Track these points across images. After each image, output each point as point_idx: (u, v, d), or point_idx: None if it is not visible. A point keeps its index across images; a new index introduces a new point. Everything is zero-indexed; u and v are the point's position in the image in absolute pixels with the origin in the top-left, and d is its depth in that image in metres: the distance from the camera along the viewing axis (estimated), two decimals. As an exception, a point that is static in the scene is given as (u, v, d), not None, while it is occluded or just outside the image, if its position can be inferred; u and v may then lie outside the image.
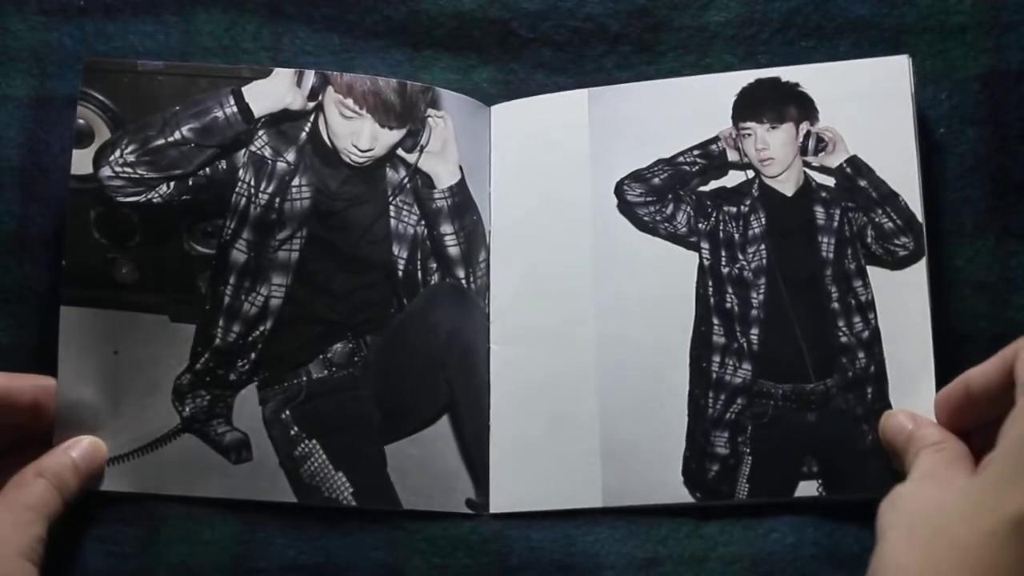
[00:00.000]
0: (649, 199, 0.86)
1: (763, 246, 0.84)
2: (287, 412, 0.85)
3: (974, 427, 0.76)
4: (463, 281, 0.87)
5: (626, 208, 0.86)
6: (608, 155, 0.87)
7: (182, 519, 0.82)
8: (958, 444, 0.74)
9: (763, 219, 0.85)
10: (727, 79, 0.86)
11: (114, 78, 0.85)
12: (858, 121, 0.84)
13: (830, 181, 0.85)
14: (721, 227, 0.85)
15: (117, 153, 0.84)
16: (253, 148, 0.86)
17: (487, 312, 0.87)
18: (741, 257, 0.85)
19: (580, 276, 0.86)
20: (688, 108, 0.86)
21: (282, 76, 0.86)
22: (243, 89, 0.86)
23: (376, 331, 0.86)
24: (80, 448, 0.81)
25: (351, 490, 0.83)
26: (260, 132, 0.86)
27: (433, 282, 0.87)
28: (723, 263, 0.85)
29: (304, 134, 0.86)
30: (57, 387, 0.82)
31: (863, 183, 0.83)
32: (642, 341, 0.84)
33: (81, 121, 0.84)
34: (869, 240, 0.83)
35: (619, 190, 0.87)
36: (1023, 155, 0.83)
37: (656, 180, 0.86)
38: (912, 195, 0.82)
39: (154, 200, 0.85)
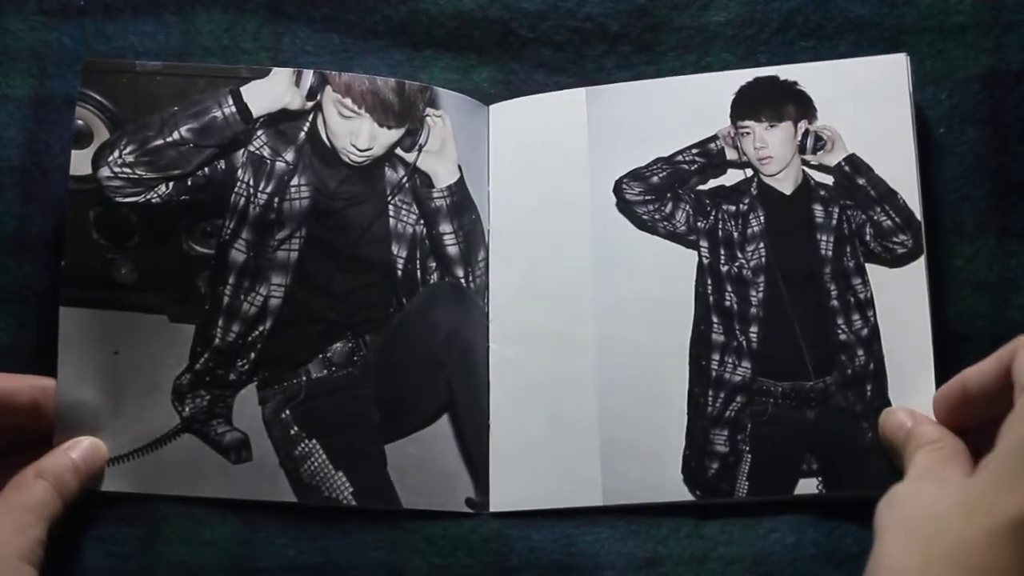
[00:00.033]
0: (648, 198, 0.85)
1: (762, 244, 0.84)
2: (287, 412, 0.84)
3: (972, 425, 0.75)
4: (462, 280, 0.86)
5: (625, 207, 0.86)
6: (607, 154, 0.86)
7: (182, 519, 0.82)
8: (956, 443, 0.74)
9: (762, 217, 0.84)
10: (725, 78, 0.86)
11: (113, 79, 0.85)
12: (856, 119, 0.83)
13: (829, 179, 0.84)
14: (720, 225, 0.85)
15: (116, 154, 0.84)
16: (252, 148, 0.85)
17: (486, 311, 0.86)
18: (740, 255, 0.84)
19: (579, 275, 0.85)
20: (686, 107, 0.86)
21: (280, 76, 0.86)
22: (241, 89, 0.85)
23: (375, 330, 0.85)
24: (80, 449, 0.81)
25: (351, 490, 0.83)
26: (259, 132, 0.85)
27: (432, 281, 0.86)
28: (722, 261, 0.84)
29: (303, 134, 0.86)
30: (57, 387, 0.81)
31: (862, 181, 0.83)
32: (641, 340, 0.84)
33: (80, 122, 0.84)
34: (868, 238, 0.83)
35: (618, 189, 0.86)
36: (1023, 155, 0.83)
37: (655, 179, 0.86)
38: (911, 193, 0.82)
39: (153, 200, 0.84)
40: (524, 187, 0.88)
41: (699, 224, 0.85)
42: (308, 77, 0.86)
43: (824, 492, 0.81)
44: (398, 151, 0.87)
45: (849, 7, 0.87)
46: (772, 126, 0.85)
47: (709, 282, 0.84)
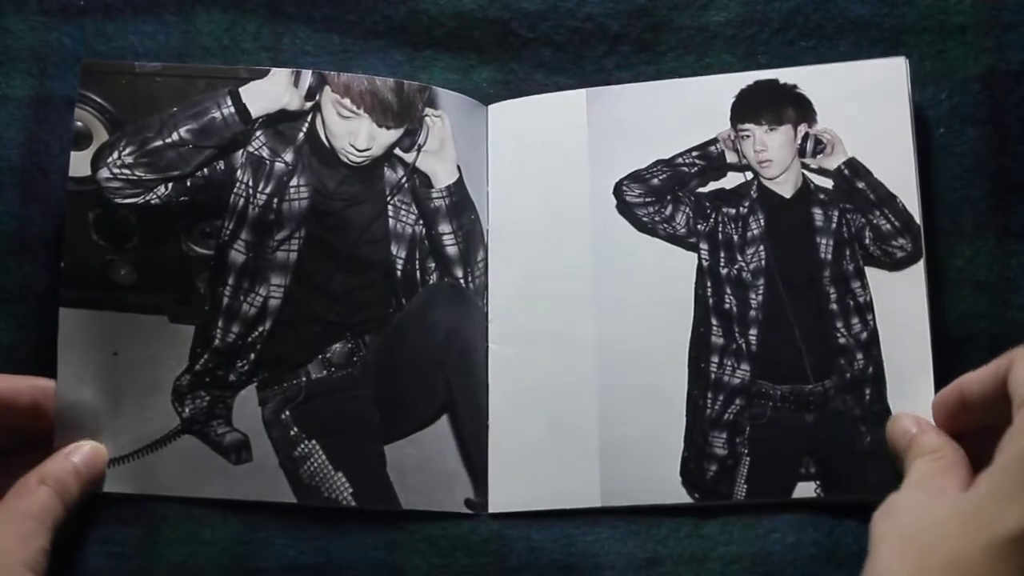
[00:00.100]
0: (648, 200, 0.84)
1: (762, 247, 0.83)
2: (287, 412, 0.83)
3: (971, 430, 0.74)
4: (461, 281, 0.85)
5: (625, 209, 0.85)
6: (607, 156, 0.85)
7: (182, 519, 0.81)
8: (956, 453, 0.73)
9: (762, 220, 0.83)
10: (725, 80, 0.85)
11: (112, 80, 0.84)
12: (856, 123, 0.83)
13: (828, 183, 0.83)
14: (720, 228, 0.84)
15: (115, 155, 0.83)
16: (251, 149, 0.84)
17: (485, 311, 0.85)
18: (740, 258, 0.83)
19: (579, 276, 0.84)
20: (687, 109, 0.85)
21: (279, 76, 0.85)
22: (240, 90, 0.84)
23: (375, 331, 0.84)
24: (81, 453, 0.79)
25: (351, 490, 0.82)
26: (258, 133, 0.84)
27: (432, 282, 0.85)
28: (722, 264, 0.83)
29: (302, 134, 0.85)
30: (57, 389, 0.80)
31: (861, 185, 0.82)
32: (641, 341, 0.83)
33: (79, 123, 0.83)
34: (867, 241, 0.82)
35: (618, 191, 0.85)
36: (1023, 155, 0.82)
37: (655, 181, 0.85)
38: (910, 197, 0.81)
39: (152, 201, 0.83)
40: (524, 188, 0.87)
41: (699, 226, 0.84)
42: (307, 77, 0.85)
43: (822, 496, 0.80)
44: (397, 151, 0.86)
45: (849, 7, 0.86)
46: (772, 129, 0.84)
47: (709, 284, 0.83)
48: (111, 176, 0.82)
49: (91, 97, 0.83)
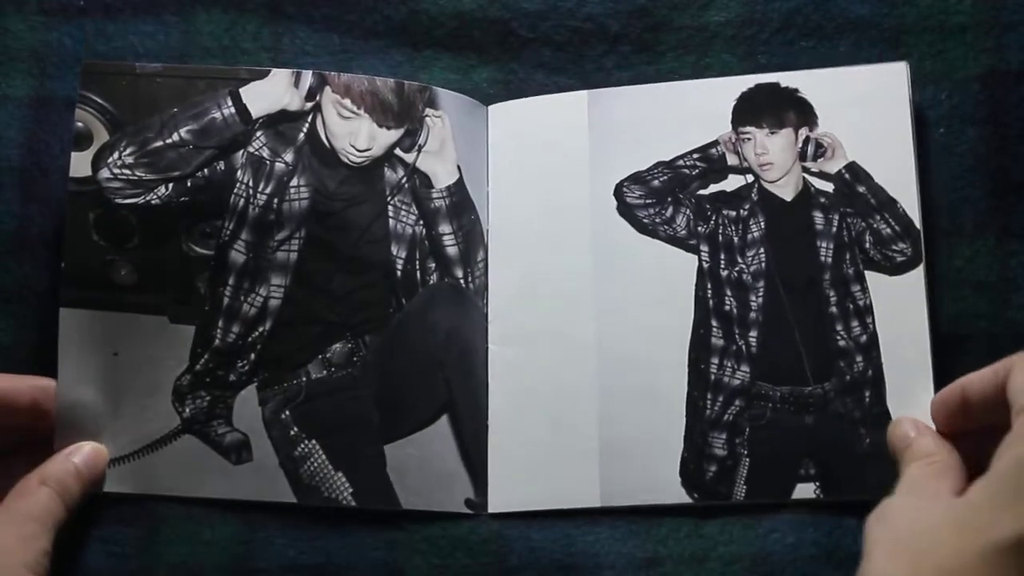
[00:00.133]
0: (648, 201, 0.84)
1: (762, 250, 0.82)
2: (287, 412, 0.82)
3: (971, 430, 0.73)
4: (461, 281, 0.85)
5: (625, 210, 0.84)
6: (607, 157, 0.85)
7: (182, 519, 0.80)
8: (950, 456, 0.72)
9: (762, 223, 0.83)
10: (726, 83, 0.84)
11: (112, 80, 0.83)
12: (857, 127, 0.82)
13: (829, 187, 0.83)
14: (720, 230, 0.83)
15: (115, 155, 0.82)
16: (251, 149, 0.83)
17: (485, 312, 0.85)
18: (740, 260, 0.82)
19: (579, 277, 0.84)
20: (688, 112, 0.84)
21: (279, 77, 0.84)
22: (240, 90, 0.83)
23: (375, 331, 0.84)
24: (82, 454, 0.79)
25: (351, 490, 0.81)
26: (258, 133, 0.83)
27: (432, 282, 0.84)
28: (722, 266, 0.82)
29: (302, 135, 0.84)
30: (57, 389, 0.79)
31: (862, 189, 0.82)
32: (641, 342, 0.82)
33: (79, 124, 0.82)
34: (867, 245, 0.81)
35: (618, 192, 0.84)
36: (1023, 155, 0.81)
37: (655, 182, 0.84)
38: (910, 201, 0.81)
39: (152, 202, 0.82)
40: (524, 188, 0.86)
41: (699, 228, 0.83)
42: (307, 78, 0.84)
43: (822, 497, 0.79)
44: (397, 151, 0.85)
45: (849, 7, 0.85)
46: (773, 132, 0.83)
47: (709, 286, 0.82)
48: (111, 176, 0.82)
49: (91, 98, 0.82)
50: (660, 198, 0.83)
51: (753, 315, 0.82)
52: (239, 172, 0.83)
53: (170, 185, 0.82)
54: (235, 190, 0.83)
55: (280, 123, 0.84)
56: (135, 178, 0.82)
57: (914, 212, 0.80)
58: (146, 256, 0.82)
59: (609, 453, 0.81)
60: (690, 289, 0.82)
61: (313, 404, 0.83)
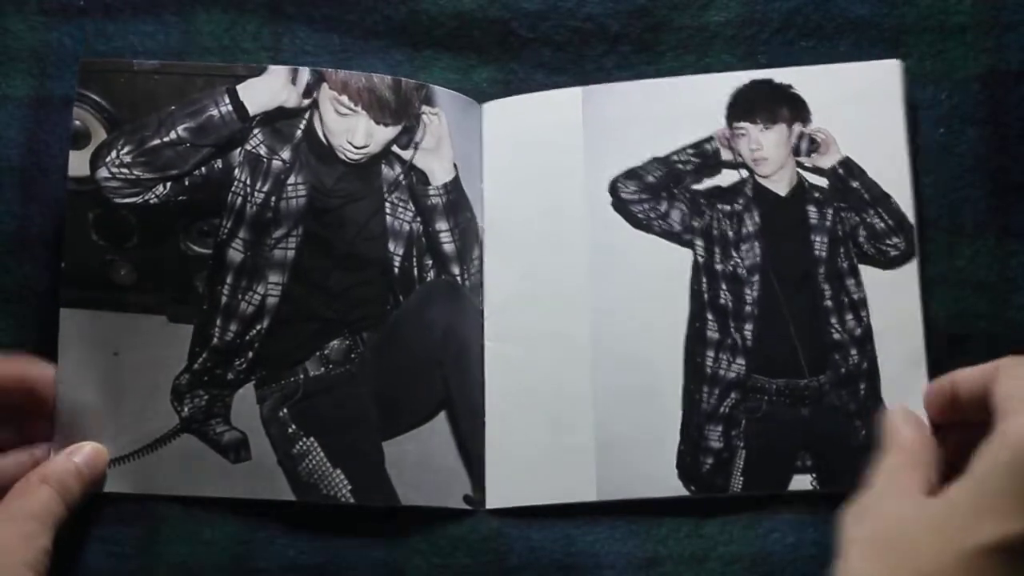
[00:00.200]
0: (643, 196, 0.80)
1: (757, 244, 0.79)
2: (284, 410, 0.78)
3: (959, 422, 0.70)
4: (458, 278, 0.80)
5: (620, 205, 0.80)
6: (602, 153, 0.81)
7: (182, 519, 0.76)
8: (925, 449, 0.68)
9: (757, 218, 0.79)
10: (721, 79, 0.81)
11: (110, 78, 0.79)
12: (850, 123, 0.79)
13: (823, 182, 0.79)
14: (715, 225, 0.79)
15: (114, 154, 0.78)
16: (248, 147, 0.79)
17: (481, 309, 0.81)
18: (735, 254, 0.79)
19: (575, 273, 0.80)
20: (682, 107, 0.80)
21: (277, 73, 0.80)
22: (238, 87, 0.79)
23: (372, 328, 0.79)
24: (83, 453, 0.75)
25: (349, 487, 0.77)
26: (255, 130, 0.79)
27: (428, 279, 0.80)
28: (717, 260, 0.79)
29: (299, 132, 0.80)
30: (57, 389, 0.76)
31: (855, 184, 0.78)
32: (637, 336, 0.78)
33: (77, 122, 0.78)
34: (861, 240, 0.78)
35: (613, 188, 0.80)
36: (1023, 155, 0.78)
37: (650, 178, 0.80)
38: (904, 196, 0.77)
39: (151, 201, 0.78)
40: (519, 185, 0.82)
41: (694, 223, 0.79)
42: (304, 74, 0.80)
43: (818, 489, 0.76)
44: (394, 148, 0.80)
45: (849, 7, 0.82)
46: (767, 128, 0.79)
47: (704, 280, 0.79)
48: (110, 176, 0.77)
49: (89, 96, 0.78)
50: (655, 193, 0.80)
51: (748, 309, 0.78)
52: (237, 170, 0.79)
53: (168, 184, 0.78)
54: (233, 188, 0.79)
55: (277, 120, 0.80)
56: (133, 177, 0.78)
57: (907, 207, 0.77)
58: (145, 256, 0.78)
59: (606, 447, 0.77)
60: (685, 283, 0.79)
61: (311, 401, 0.78)
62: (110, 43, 0.83)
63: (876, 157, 0.78)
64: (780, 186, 0.79)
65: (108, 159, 0.77)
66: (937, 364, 0.74)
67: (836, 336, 0.77)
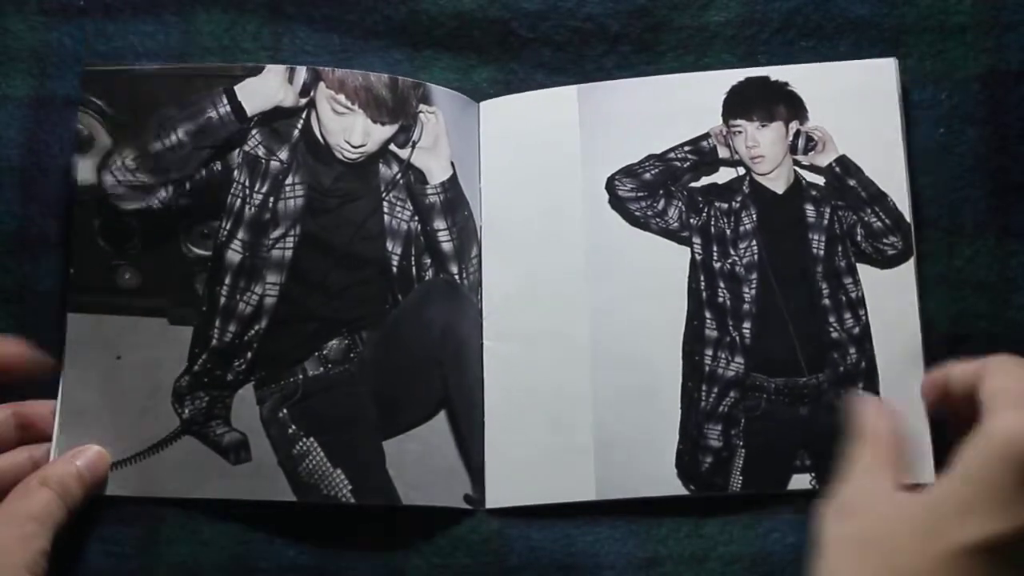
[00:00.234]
0: (640, 194, 0.78)
1: (754, 242, 0.77)
2: (284, 411, 0.76)
3: (952, 411, 0.68)
4: (456, 277, 0.78)
5: (617, 203, 0.78)
6: (599, 151, 0.79)
7: (182, 519, 0.75)
8: (901, 446, 0.66)
9: (754, 215, 0.77)
10: (717, 77, 0.78)
11: (111, 83, 0.77)
12: (847, 122, 0.77)
13: (820, 180, 0.77)
14: (713, 223, 0.77)
15: (118, 160, 0.76)
16: (247, 148, 0.77)
17: (480, 308, 0.78)
18: (733, 252, 0.77)
19: (572, 271, 0.78)
20: (679, 105, 0.78)
21: (274, 73, 0.78)
22: (235, 88, 0.77)
23: (371, 327, 0.77)
24: (85, 456, 0.73)
25: (350, 487, 0.75)
26: (253, 131, 0.77)
27: (427, 278, 0.78)
28: (715, 258, 0.77)
29: (297, 131, 0.77)
30: (61, 393, 0.74)
31: (852, 183, 0.76)
32: (635, 335, 0.76)
33: (82, 128, 0.76)
34: (859, 238, 0.76)
35: (610, 185, 0.78)
36: (1023, 155, 0.77)
37: (647, 175, 0.78)
38: (900, 195, 0.76)
39: (153, 205, 0.76)
40: (516, 184, 0.80)
41: (692, 221, 0.77)
42: (301, 73, 0.78)
43: (818, 488, 0.73)
44: (392, 147, 0.78)
45: (849, 7, 0.80)
46: (764, 126, 0.77)
47: (702, 278, 0.77)
48: (116, 182, 0.76)
49: (92, 101, 0.77)
50: (652, 191, 0.78)
51: (746, 307, 0.76)
52: (235, 172, 0.77)
53: (170, 188, 0.76)
54: (232, 190, 0.77)
55: (275, 120, 0.77)
56: (137, 182, 0.76)
57: (904, 206, 0.75)
58: (148, 259, 0.77)
59: (605, 446, 0.75)
60: (683, 281, 0.77)
61: (310, 402, 0.76)
62: (110, 43, 0.81)
63: (872, 155, 0.76)
64: (777, 184, 0.77)
65: (113, 165, 0.76)
66: (936, 364, 0.72)
67: (834, 335, 0.75)
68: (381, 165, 0.78)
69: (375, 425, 0.76)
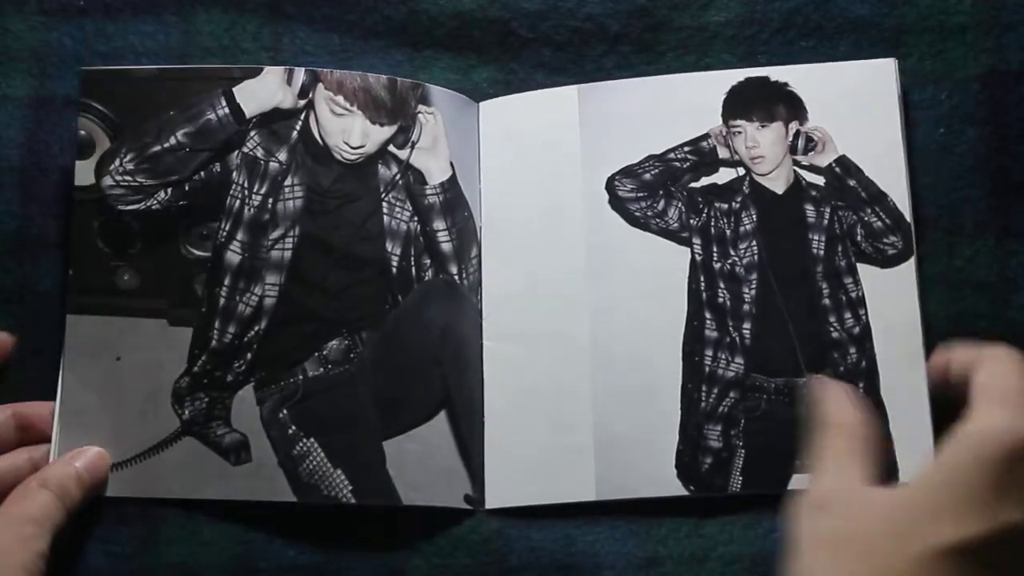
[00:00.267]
0: (640, 195, 0.77)
1: (754, 242, 0.76)
2: (284, 411, 0.75)
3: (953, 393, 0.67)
4: (456, 277, 0.77)
5: (617, 203, 0.77)
6: (599, 151, 0.78)
7: (182, 519, 0.74)
8: (868, 435, 0.63)
9: (754, 216, 0.76)
10: (717, 77, 0.78)
11: (111, 86, 0.76)
12: (847, 122, 0.76)
13: (820, 180, 0.76)
14: (712, 223, 0.76)
15: (117, 162, 0.75)
16: (246, 149, 0.76)
17: (479, 308, 0.78)
18: (733, 253, 0.76)
19: (572, 271, 0.77)
20: (678, 105, 0.78)
21: (272, 74, 0.77)
22: (234, 89, 0.76)
23: (371, 327, 0.76)
24: (85, 458, 0.72)
25: (350, 488, 0.74)
26: (252, 133, 0.76)
27: (427, 278, 0.77)
28: (715, 258, 0.76)
29: (295, 133, 0.77)
30: (60, 395, 0.74)
31: (852, 183, 0.76)
32: (635, 335, 0.75)
33: (82, 132, 0.76)
34: (859, 238, 0.75)
35: (610, 186, 0.77)
36: (1023, 155, 0.76)
37: (647, 176, 0.77)
38: (900, 195, 0.75)
39: (153, 207, 0.76)
40: (516, 184, 0.79)
41: (692, 221, 0.76)
42: (300, 75, 0.77)
43: None
44: (391, 148, 0.78)
45: (849, 7, 0.79)
46: (763, 126, 0.77)
47: (702, 279, 0.76)
48: (115, 184, 0.75)
49: (92, 104, 0.76)
50: (652, 191, 0.77)
51: (746, 307, 0.75)
52: (234, 173, 0.76)
53: (169, 189, 0.76)
54: (231, 191, 0.76)
55: (273, 122, 0.77)
56: (136, 184, 0.75)
57: (904, 206, 0.75)
58: (147, 261, 0.76)
59: (605, 446, 0.74)
60: (683, 282, 0.76)
61: (310, 402, 0.75)
62: (110, 43, 0.81)
63: (872, 155, 0.75)
64: (777, 184, 0.76)
65: (112, 167, 0.75)
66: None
67: (835, 335, 0.74)
68: (380, 166, 0.77)
69: (375, 425, 0.75)
